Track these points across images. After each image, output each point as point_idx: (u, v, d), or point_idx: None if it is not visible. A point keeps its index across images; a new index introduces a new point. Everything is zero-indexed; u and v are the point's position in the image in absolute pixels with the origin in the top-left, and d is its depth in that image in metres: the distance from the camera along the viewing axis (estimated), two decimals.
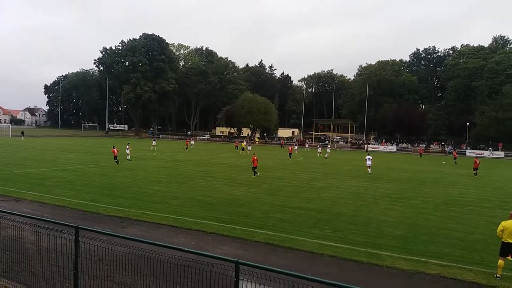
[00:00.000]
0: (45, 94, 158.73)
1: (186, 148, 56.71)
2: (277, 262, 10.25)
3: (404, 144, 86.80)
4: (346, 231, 13.80)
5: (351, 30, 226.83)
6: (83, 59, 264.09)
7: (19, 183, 21.45)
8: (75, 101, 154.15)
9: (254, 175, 28.16)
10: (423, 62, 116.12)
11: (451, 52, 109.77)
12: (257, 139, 76.58)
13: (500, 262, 9.86)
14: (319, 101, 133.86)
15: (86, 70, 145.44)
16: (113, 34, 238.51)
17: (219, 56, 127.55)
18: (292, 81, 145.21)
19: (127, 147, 38.05)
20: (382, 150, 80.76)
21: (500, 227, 10.09)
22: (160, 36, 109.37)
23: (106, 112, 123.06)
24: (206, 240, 12.32)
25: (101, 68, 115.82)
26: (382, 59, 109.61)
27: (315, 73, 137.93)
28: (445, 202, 20.47)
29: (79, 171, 27.93)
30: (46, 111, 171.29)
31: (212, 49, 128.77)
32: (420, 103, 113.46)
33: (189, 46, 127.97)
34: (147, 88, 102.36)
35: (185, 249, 5.69)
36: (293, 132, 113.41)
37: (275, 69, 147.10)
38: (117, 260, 6.61)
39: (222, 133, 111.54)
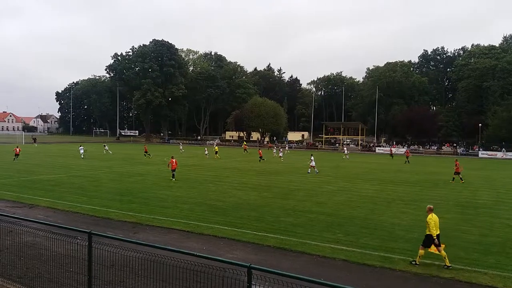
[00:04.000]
0: (56, 101, 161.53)
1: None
2: (289, 266, 10.20)
3: (416, 146, 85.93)
4: (359, 234, 13.69)
5: (358, 32, 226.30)
6: (94, 65, 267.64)
7: (33, 189, 21.73)
8: (87, 108, 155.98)
9: (173, 177, 27.09)
10: (432, 63, 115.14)
11: (461, 52, 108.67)
12: (244, 143, 75.86)
13: (422, 252, 10.68)
14: (329, 104, 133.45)
15: (98, 76, 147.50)
16: (124, 41, 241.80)
17: (228, 61, 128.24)
18: (301, 84, 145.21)
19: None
20: (394, 152, 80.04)
21: (431, 222, 10.68)
22: (169, 41, 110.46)
23: (117, 118, 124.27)
24: (217, 244, 12.33)
25: (112, 74, 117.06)
26: (390, 61, 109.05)
27: (324, 76, 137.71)
28: (458, 204, 20.20)
29: (91, 177, 28.20)
30: (58, 118, 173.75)
31: (221, 54, 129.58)
32: (430, 104, 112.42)
33: (198, 51, 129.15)
34: (158, 94, 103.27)
35: (197, 254, 5.70)
36: (302, 136, 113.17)
37: (284, 72, 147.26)
38: (130, 266, 6.66)
39: (232, 137, 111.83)
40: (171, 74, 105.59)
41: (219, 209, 17.50)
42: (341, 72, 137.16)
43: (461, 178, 29.67)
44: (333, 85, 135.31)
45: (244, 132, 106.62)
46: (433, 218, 10.78)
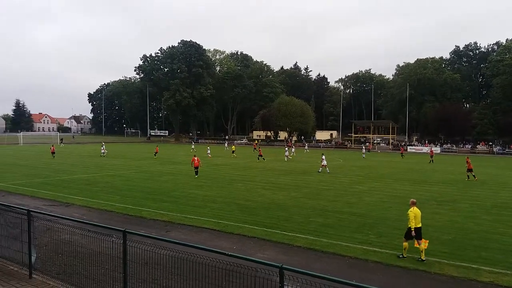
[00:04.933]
0: (89, 102, 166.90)
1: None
2: (320, 267, 10.10)
3: (449, 145, 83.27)
4: (391, 236, 13.39)
5: (388, 28, 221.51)
6: (125, 67, 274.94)
7: (68, 188, 22.51)
8: (118, 108, 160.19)
9: (196, 174, 28.96)
10: (464, 59, 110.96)
11: (496, 47, 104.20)
12: (256, 142, 75.73)
13: (405, 244, 11.13)
14: (358, 102, 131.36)
15: (128, 78, 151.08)
16: (153, 42, 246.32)
17: (254, 60, 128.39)
18: (329, 82, 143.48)
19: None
20: (425, 151, 77.90)
21: (412, 215, 11.06)
22: (197, 42, 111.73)
23: (147, 118, 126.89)
24: (247, 244, 12.36)
25: (142, 75, 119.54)
26: (420, 58, 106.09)
27: (352, 74, 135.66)
28: (495, 205, 19.42)
29: (123, 176, 28.94)
30: (91, 118, 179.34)
31: (247, 53, 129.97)
32: (464, 102, 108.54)
33: (225, 51, 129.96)
34: (186, 94, 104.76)
35: (229, 253, 5.72)
36: (331, 135, 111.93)
37: (311, 70, 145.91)
38: (162, 264, 6.75)
39: (259, 136, 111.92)
40: (199, 74, 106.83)
41: (248, 209, 17.56)
42: (370, 69, 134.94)
43: (474, 176, 29.63)
44: (362, 82, 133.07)
45: (272, 132, 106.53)
46: (413, 211, 11.16)
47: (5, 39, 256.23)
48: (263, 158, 45.88)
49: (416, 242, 10.98)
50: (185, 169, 33.60)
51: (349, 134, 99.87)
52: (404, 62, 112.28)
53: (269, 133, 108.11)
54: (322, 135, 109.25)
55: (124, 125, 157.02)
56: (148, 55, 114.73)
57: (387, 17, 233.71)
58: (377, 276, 9.85)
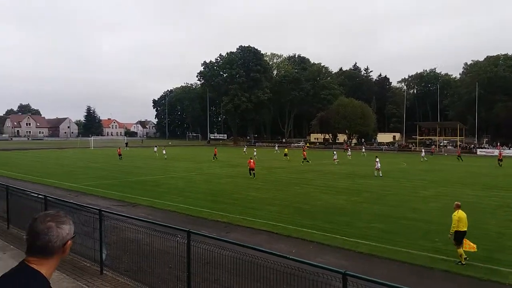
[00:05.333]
0: (153, 108, 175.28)
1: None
2: (383, 274, 9.68)
3: None
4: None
5: (453, 25, 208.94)
6: (188, 73, 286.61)
7: (135, 189, 23.74)
8: (180, 113, 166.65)
9: (253, 176, 29.80)
10: None
11: None
12: (307, 145, 74.00)
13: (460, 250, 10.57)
14: (422, 103, 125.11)
15: (189, 84, 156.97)
16: (213, 48, 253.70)
17: (312, 62, 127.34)
18: (391, 82, 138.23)
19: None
20: (497, 154, 72.24)
21: (455, 218, 10.78)
22: (255, 47, 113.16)
23: (207, 122, 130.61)
24: (306, 248, 12.23)
25: (202, 81, 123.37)
26: (491, 54, 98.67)
27: (416, 73, 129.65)
28: None
29: (185, 178, 30.00)
30: (155, 123, 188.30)
31: (305, 56, 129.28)
32: None
33: (282, 55, 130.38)
34: (244, 99, 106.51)
35: (290, 257, 5.69)
36: (394, 137, 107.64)
37: (371, 71, 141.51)
38: (223, 264, 6.87)
39: (317, 139, 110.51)
40: (257, 79, 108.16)
41: (306, 212, 17.38)
42: (434, 68, 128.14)
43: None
44: (427, 82, 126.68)
45: (330, 134, 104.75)
46: (457, 214, 10.88)
47: (80, 51, 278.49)
48: (307, 161, 45.10)
49: (464, 244, 10.60)
50: (243, 172, 34.07)
51: (413, 136, 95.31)
52: (472, 60, 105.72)
53: (327, 136, 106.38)
54: (384, 137, 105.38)
55: (186, 129, 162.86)
56: (208, 62, 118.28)
57: (453, 13, 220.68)
58: (445, 285, 9.29)
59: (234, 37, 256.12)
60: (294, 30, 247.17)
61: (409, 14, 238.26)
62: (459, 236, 10.70)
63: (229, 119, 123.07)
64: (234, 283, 7.61)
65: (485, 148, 78.71)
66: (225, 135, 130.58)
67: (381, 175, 32.16)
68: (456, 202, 11.54)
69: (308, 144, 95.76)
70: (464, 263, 10.52)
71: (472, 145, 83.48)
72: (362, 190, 24.41)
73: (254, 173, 29.98)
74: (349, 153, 58.11)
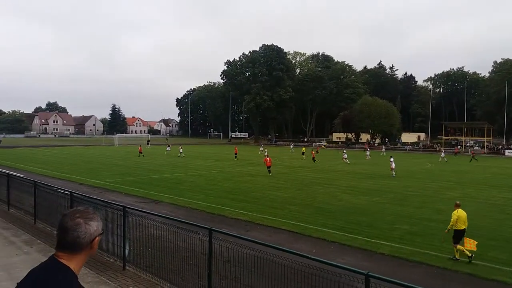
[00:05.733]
0: (176, 106, 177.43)
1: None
2: (405, 277, 9.48)
3: None
4: (486, 247, 12.15)
5: (482, 23, 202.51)
6: (210, 72, 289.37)
7: (158, 186, 24.06)
8: (202, 112, 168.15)
9: (269, 173, 31.03)
10: None
11: None
12: (324, 145, 72.84)
13: (459, 247, 10.77)
14: (449, 102, 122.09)
15: (212, 83, 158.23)
16: (237, 47, 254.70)
17: (335, 61, 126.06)
18: (417, 81, 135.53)
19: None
20: None
21: (454, 217, 11.07)
22: (279, 46, 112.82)
23: (229, 121, 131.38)
24: (327, 248, 12.11)
25: (225, 79, 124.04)
26: None
27: (443, 72, 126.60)
28: None
29: (206, 176, 30.22)
30: (178, 121, 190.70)
31: (328, 54, 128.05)
32: None
33: (305, 53, 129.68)
34: (266, 97, 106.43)
35: (312, 256, 5.64)
36: (418, 137, 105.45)
37: (396, 69, 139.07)
38: (244, 262, 6.87)
39: (339, 139, 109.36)
40: (279, 77, 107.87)
41: (327, 212, 17.21)
42: (462, 67, 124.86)
43: None
44: (454, 81, 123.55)
45: (353, 134, 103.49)
46: (457, 213, 11.13)
47: (105, 50, 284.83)
48: (314, 161, 45.33)
49: (465, 242, 10.68)
50: (263, 171, 34.06)
51: (438, 137, 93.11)
52: (502, 58, 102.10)
53: (350, 135, 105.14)
54: (408, 137, 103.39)
55: (208, 128, 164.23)
56: (232, 60, 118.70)
57: (482, 10, 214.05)
58: None
59: (259, 34, 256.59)
60: (318, 28, 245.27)
61: (435, 11, 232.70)
62: (458, 235, 10.95)
63: (251, 118, 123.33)
64: (255, 281, 7.61)
65: None
66: (246, 133, 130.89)
67: (393, 174, 31.63)
68: (456, 201, 11.95)
69: (325, 143, 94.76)
70: (458, 258, 10.78)
71: (500, 146, 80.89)
72: (385, 191, 23.99)
73: (270, 170, 31.03)
74: (368, 153, 56.96)
